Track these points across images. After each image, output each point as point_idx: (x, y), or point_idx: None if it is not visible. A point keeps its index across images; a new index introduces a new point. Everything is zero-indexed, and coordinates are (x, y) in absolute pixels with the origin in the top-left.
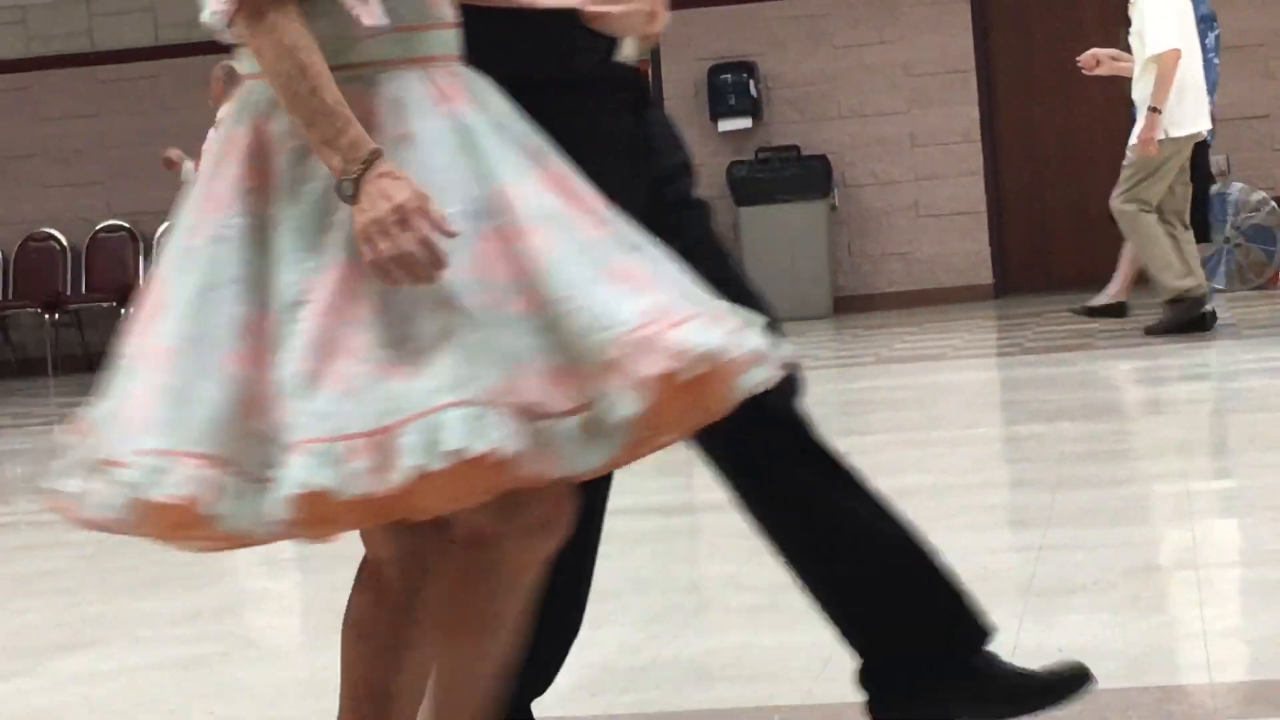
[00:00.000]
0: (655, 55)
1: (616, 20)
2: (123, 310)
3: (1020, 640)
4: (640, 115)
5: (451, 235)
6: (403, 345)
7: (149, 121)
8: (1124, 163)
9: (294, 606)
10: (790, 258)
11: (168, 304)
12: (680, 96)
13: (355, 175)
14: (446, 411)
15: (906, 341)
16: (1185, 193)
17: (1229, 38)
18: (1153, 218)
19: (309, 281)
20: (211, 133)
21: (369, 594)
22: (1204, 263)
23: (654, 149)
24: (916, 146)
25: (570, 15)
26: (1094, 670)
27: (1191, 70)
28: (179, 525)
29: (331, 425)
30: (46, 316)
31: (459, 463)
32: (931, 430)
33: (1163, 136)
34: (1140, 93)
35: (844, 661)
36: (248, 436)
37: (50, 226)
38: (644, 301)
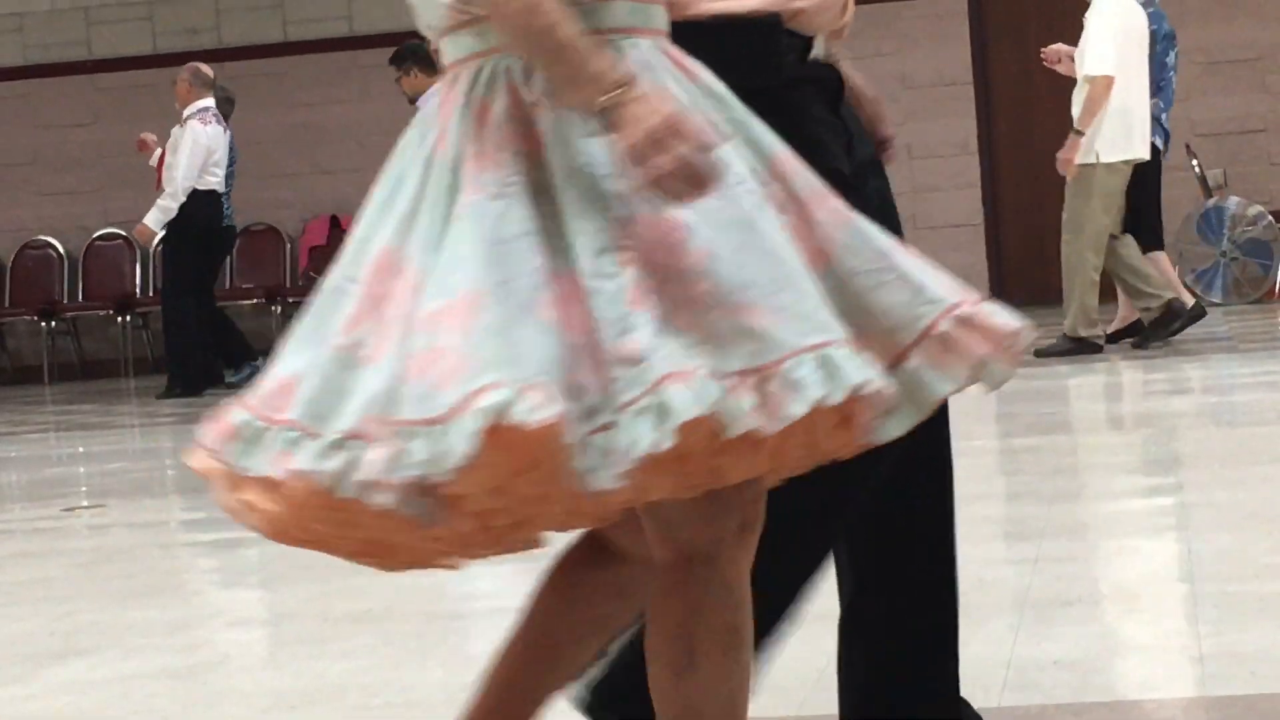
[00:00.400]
0: None
1: (813, 17)
2: (119, 319)
3: (1015, 653)
4: (838, 112)
5: (718, 147)
6: (753, 290)
7: (146, 129)
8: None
9: (287, 615)
10: None
11: (441, 268)
12: None
13: (612, 101)
14: (827, 349)
15: None
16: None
17: (1228, 52)
18: (1091, 258)
19: (614, 231)
20: (429, 103)
21: (589, 561)
22: (1200, 276)
23: (852, 145)
24: (914, 159)
25: (773, 18)
26: (1088, 683)
27: (1132, 95)
28: (530, 461)
29: (699, 363)
30: (42, 324)
31: (851, 398)
32: None
33: (1093, 160)
34: (1077, 109)
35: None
36: (573, 386)
37: (47, 234)
38: (944, 279)
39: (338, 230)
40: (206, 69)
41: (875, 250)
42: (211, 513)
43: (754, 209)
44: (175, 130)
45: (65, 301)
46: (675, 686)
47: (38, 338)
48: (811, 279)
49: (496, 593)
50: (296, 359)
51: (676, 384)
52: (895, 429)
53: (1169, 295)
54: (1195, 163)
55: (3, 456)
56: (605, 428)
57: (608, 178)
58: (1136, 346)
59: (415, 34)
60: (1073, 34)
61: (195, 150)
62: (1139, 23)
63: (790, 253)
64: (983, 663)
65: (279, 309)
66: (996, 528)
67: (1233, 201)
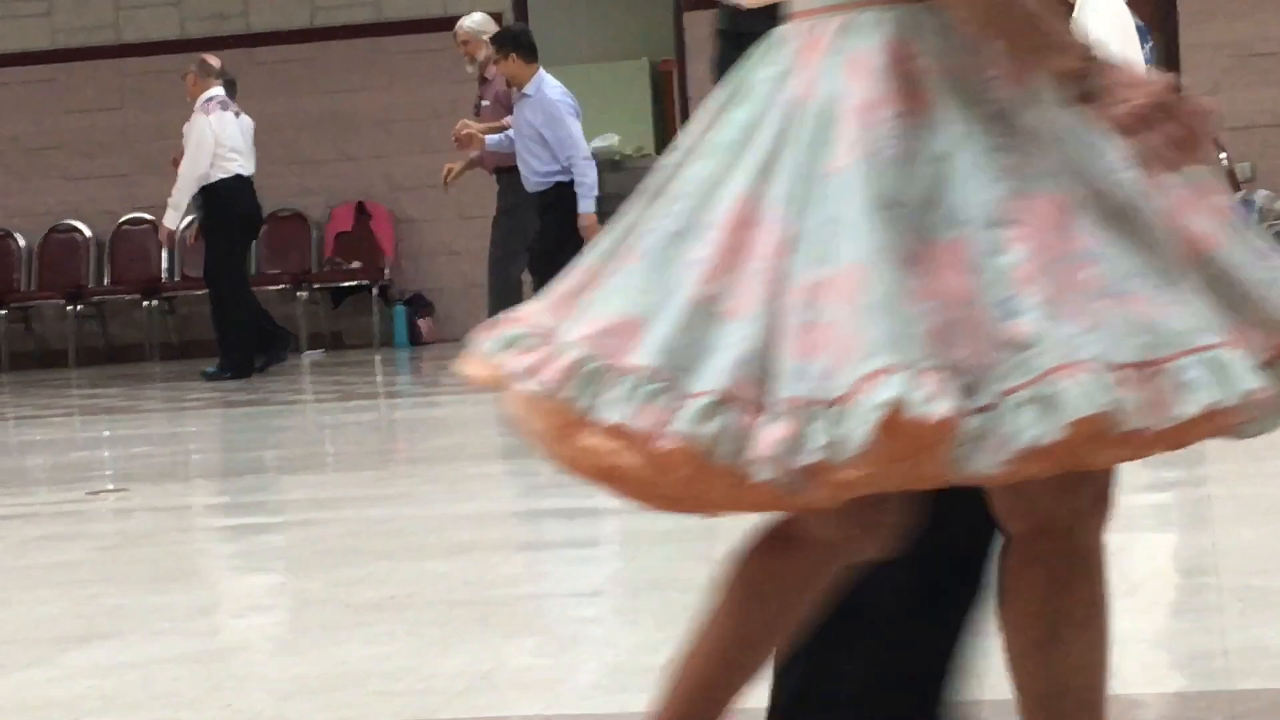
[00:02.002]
0: (680, 55)
1: None
2: (145, 303)
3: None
4: None
5: (1205, 114)
6: (1139, 279)
7: (173, 114)
8: None
9: (310, 600)
10: None
11: (819, 232)
12: (705, 97)
13: (1088, 71)
14: (1218, 351)
15: None
16: None
17: (1256, 45)
18: None
19: (1008, 205)
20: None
21: (780, 555)
22: None
23: None
24: None
25: None
26: (1113, 676)
27: None
28: (919, 450)
29: (1088, 355)
30: (69, 308)
31: (1246, 401)
32: None
33: None
34: None
35: None
36: (952, 363)
37: (74, 218)
38: None
39: (364, 216)
40: (213, 59)
41: (1249, 242)
42: (235, 497)
43: (1135, 196)
44: (186, 126)
45: (92, 286)
46: (1039, 661)
47: (64, 322)
48: (1192, 271)
49: (518, 580)
50: (626, 300)
51: (1067, 378)
52: (1261, 429)
53: None
54: (1223, 156)
55: (28, 440)
56: (984, 409)
57: (1003, 150)
58: None
59: (442, 22)
60: None
61: (201, 143)
62: (1129, 19)
63: (1171, 244)
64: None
65: (304, 294)
66: None
67: (1261, 195)
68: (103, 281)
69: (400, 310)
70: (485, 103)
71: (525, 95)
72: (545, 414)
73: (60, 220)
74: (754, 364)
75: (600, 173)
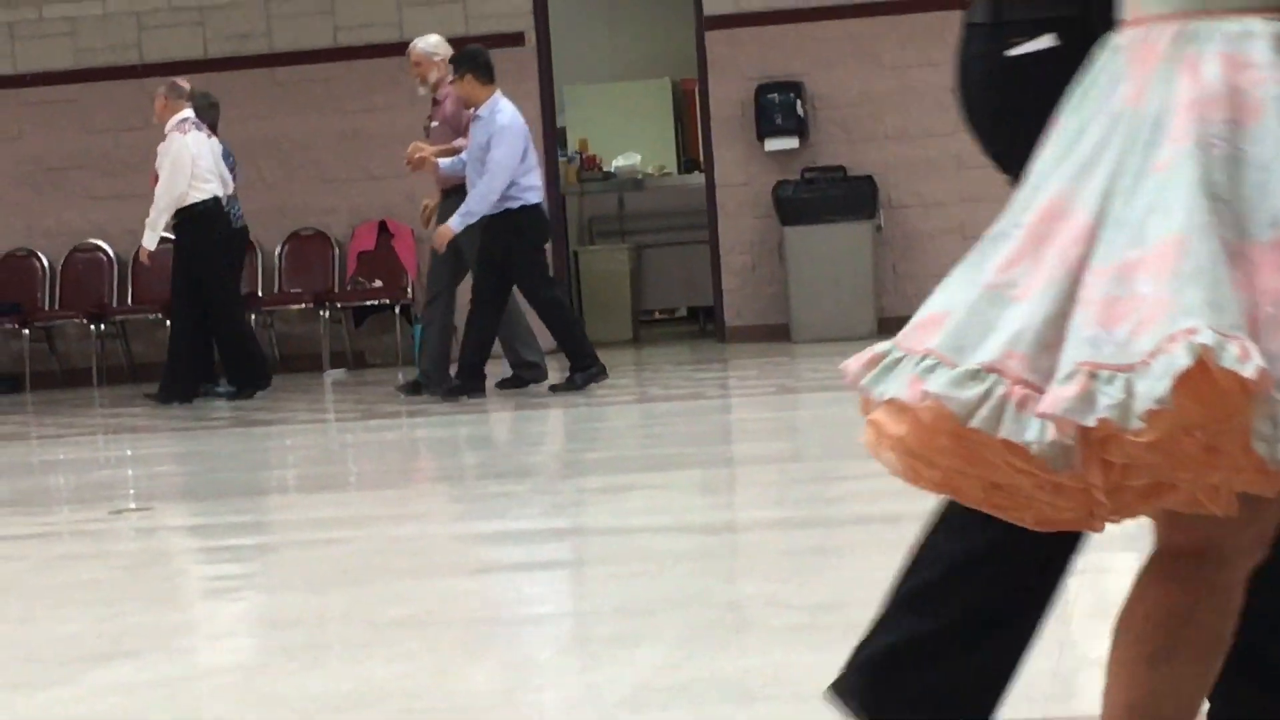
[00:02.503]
0: (703, 73)
1: None
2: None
3: (1060, 665)
4: None
5: None
6: None
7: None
8: None
9: (332, 619)
10: (835, 278)
11: (1135, 216)
12: (727, 115)
13: None
14: None
15: None
16: None
17: None
18: None
19: None
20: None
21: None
22: None
23: None
24: (963, 168)
25: None
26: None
27: None
28: (1221, 413)
29: None
30: (92, 327)
31: None
32: None
33: None
34: None
35: None
36: (1266, 352)
37: (97, 237)
38: None
39: (386, 235)
40: (183, 81)
41: None
42: (258, 516)
43: None
44: (160, 146)
45: (115, 305)
46: (1145, 672)
47: (87, 340)
48: None
49: (540, 598)
50: (946, 296)
51: None
52: None
53: None
54: None
55: (51, 459)
56: None
57: None
58: None
59: (467, 40)
60: None
61: (179, 163)
62: None
63: None
64: (1029, 672)
65: (326, 314)
66: None
67: None
68: (126, 300)
69: (421, 329)
70: (434, 124)
71: (478, 116)
72: (864, 405)
73: (83, 239)
74: (1032, 339)
75: (622, 191)
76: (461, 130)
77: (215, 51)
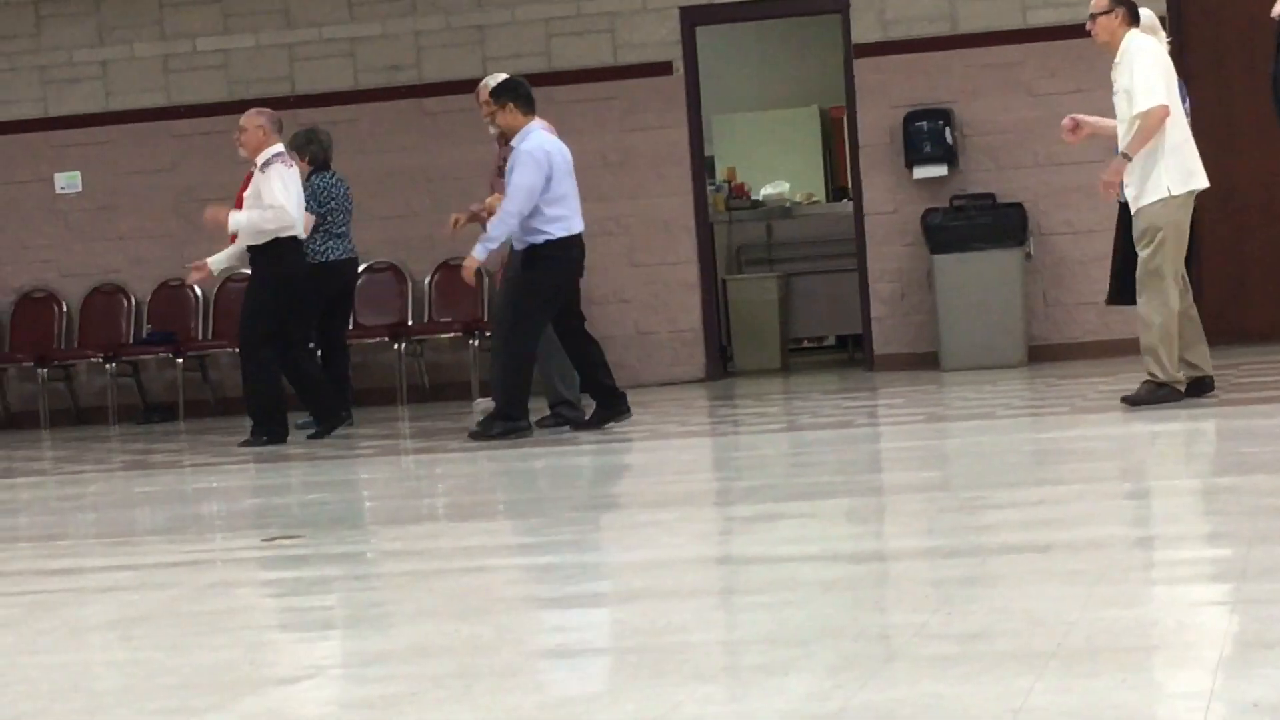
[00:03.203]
0: (851, 101)
1: None
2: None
3: (1215, 694)
4: None
5: None
6: None
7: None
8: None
9: (481, 647)
10: (984, 306)
11: None
12: (876, 143)
13: None
14: None
15: (1101, 391)
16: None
17: None
18: (1175, 293)
19: None
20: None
21: None
22: None
23: None
24: None
25: None
26: None
27: (1180, 130)
28: None
29: None
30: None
31: None
32: (1125, 482)
33: (1166, 195)
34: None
35: (1035, 712)
36: None
37: (248, 269)
38: None
39: None
40: (275, 114)
41: None
42: (408, 544)
43: None
44: (258, 175)
45: (200, 339)
46: None
47: (239, 370)
48: None
49: (689, 627)
50: None
51: None
52: None
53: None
54: None
55: (204, 487)
56: None
57: None
58: (1128, 402)
59: (617, 70)
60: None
61: (293, 194)
62: (1172, 65)
63: None
64: (1182, 704)
65: (476, 343)
66: (1196, 569)
67: None
68: (208, 335)
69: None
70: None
71: (513, 148)
72: None
73: (235, 271)
74: None
75: (770, 219)
76: None
77: (365, 82)
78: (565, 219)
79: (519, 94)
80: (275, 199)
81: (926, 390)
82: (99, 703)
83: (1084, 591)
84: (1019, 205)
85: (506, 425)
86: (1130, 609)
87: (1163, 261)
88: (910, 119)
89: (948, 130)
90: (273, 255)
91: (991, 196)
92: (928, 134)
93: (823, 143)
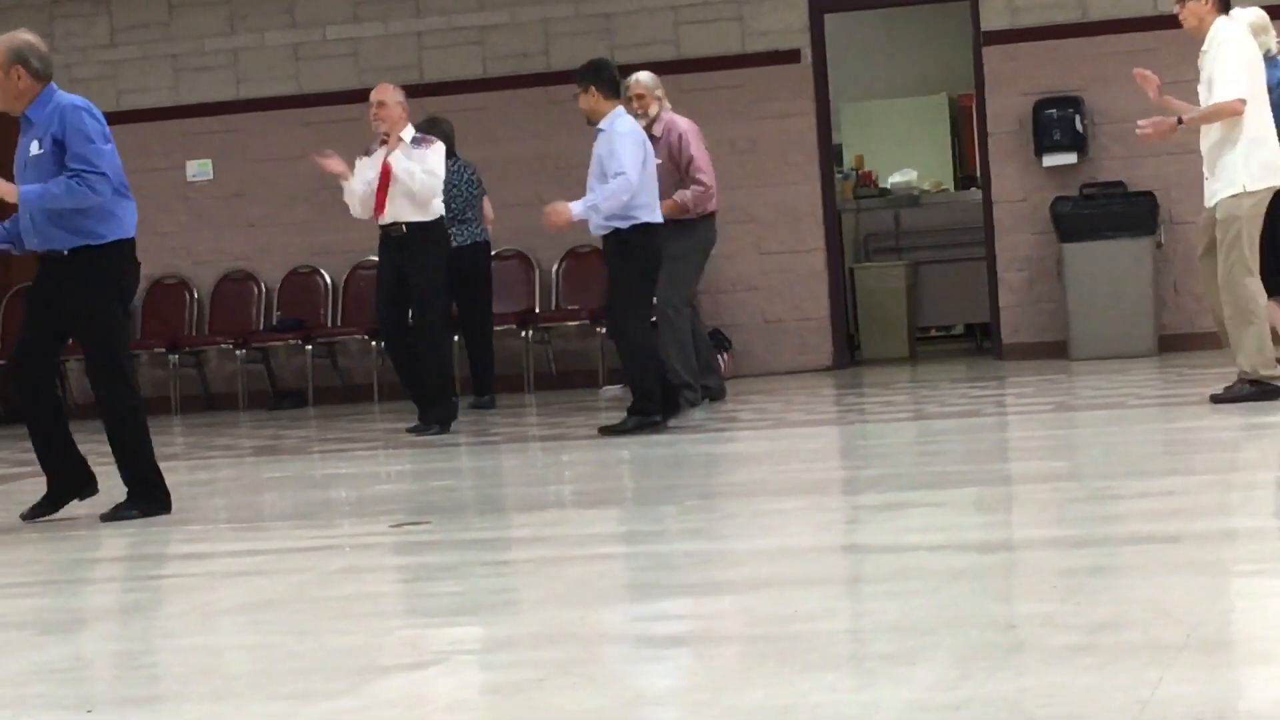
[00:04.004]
0: (980, 89)
1: None
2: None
3: None
4: None
5: None
6: None
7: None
8: (1220, 235)
9: (607, 634)
10: (1114, 295)
11: None
12: (1005, 131)
13: None
14: None
15: (1232, 382)
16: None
17: None
18: (1258, 287)
19: None
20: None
21: None
22: None
23: None
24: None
25: None
26: None
27: (1263, 124)
28: None
29: None
30: (373, 343)
31: None
32: (1256, 472)
33: (1240, 190)
34: (1208, 143)
35: (1163, 704)
36: None
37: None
38: None
39: None
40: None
41: None
42: (535, 530)
43: None
44: (403, 151)
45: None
46: None
47: (368, 356)
48: None
49: (816, 615)
50: None
51: None
52: None
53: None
54: None
55: (333, 473)
56: None
57: None
58: (1216, 400)
59: (744, 58)
60: None
61: (436, 171)
62: (1258, 60)
63: None
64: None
65: (603, 330)
66: None
67: None
68: (337, 322)
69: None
70: (657, 161)
71: (599, 130)
72: None
73: (364, 258)
74: None
75: (898, 207)
76: (679, 161)
77: (494, 70)
78: (650, 205)
79: (601, 77)
80: (435, 176)
81: (1055, 379)
82: (229, 686)
83: (1214, 583)
84: (1150, 194)
85: (638, 420)
86: (1261, 601)
87: (1238, 258)
88: (1040, 106)
89: (1077, 118)
90: (440, 232)
91: (1122, 184)
92: (1057, 121)
93: (951, 131)
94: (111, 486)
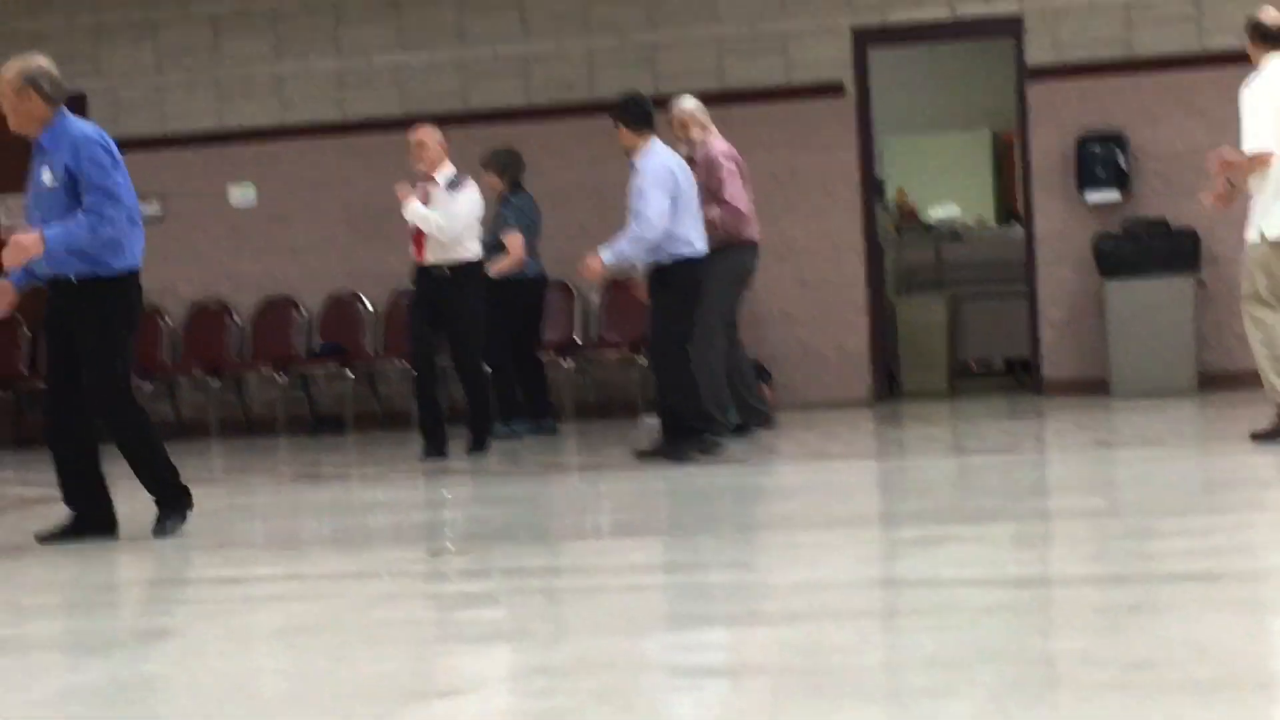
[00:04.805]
0: (1023, 124)
1: None
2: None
3: None
4: None
5: None
6: None
7: (535, 182)
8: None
9: (643, 664)
10: (1155, 332)
11: None
12: (1048, 167)
13: None
14: None
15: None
16: None
17: None
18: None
19: None
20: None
21: None
22: None
23: None
24: None
25: None
26: None
27: None
28: None
29: None
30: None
31: None
32: None
33: (1258, 240)
34: (1253, 184)
35: None
36: None
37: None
38: None
39: None
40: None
41: None
42: (572, 559)
43: None
44: (438, 192)
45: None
46: None
47: (408, 383)
48: None
49: (851, 648)
50: None
51: None
52: None
53: None
54: None
55: (371, 500)
56: None
57: None
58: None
59: (788, 91)
60: None
61: (469, 212)
62: None
63: None
64: None
65: (643, 360)
66: None
67: None
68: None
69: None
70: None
71: (633, 165)
72: None
73: (405, 284)
74: None
75: (939, 242)
76: (714, 189)
77: (537, 100)
78: (690, 239)
79: (629, 112)
80: (456, 220)
81: (1095, 415)
82: (264, 710)
83: (1253, 622)
84: (1192, 231)
85: (674, 449)
86: None
87: (1255, 297)
88: (1083, 143)
89: (1121, 154)
90: (478, 272)
91: (1165, 222)
92: (1100, 158)
93: (994, 166)
94: (130, 498)
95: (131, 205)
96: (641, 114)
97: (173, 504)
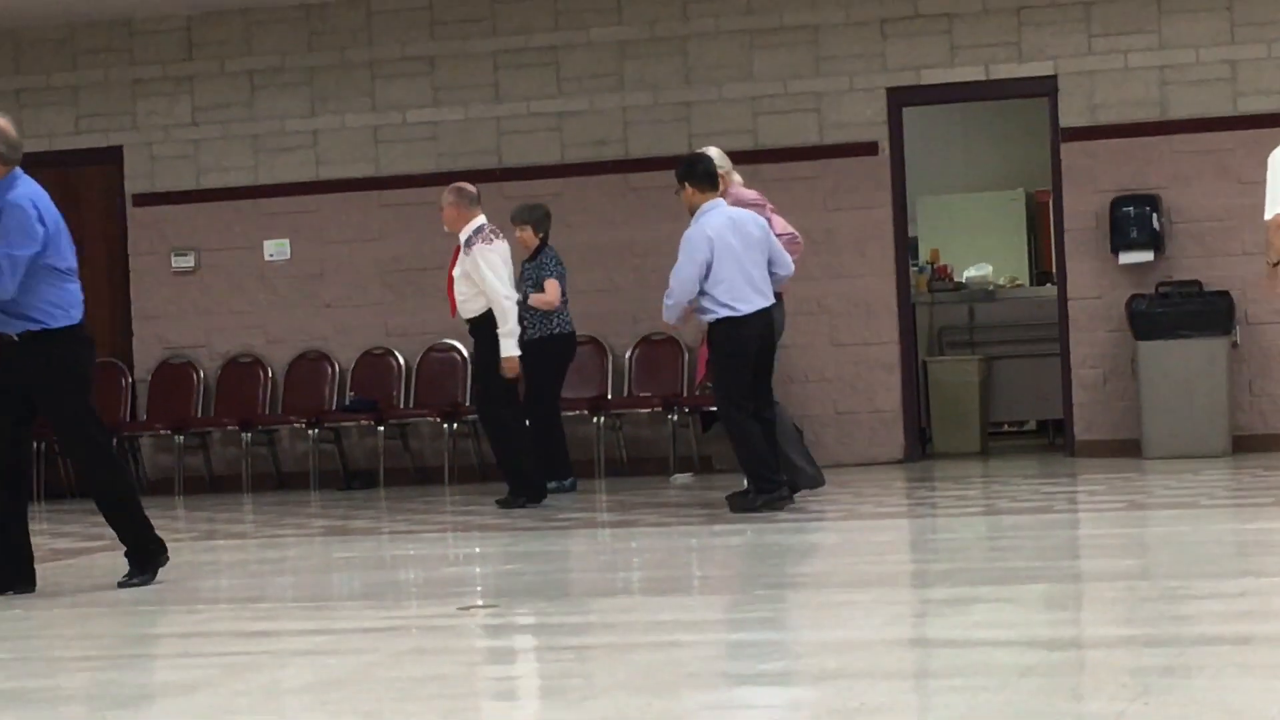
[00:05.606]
0: (1057, 185)
1: None
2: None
3: None
4: None
5: None
6: None
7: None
8: None
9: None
10: (1189, 394)
11: None
12: (1081, 228)
13: None
14: None
15: None
16: None
17: None
18: None
19: None
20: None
21: None
22: None
23: None
24: None
25: None
26: None
27: None
28: None
29: None
30: (445, 426)
31: None
32: None
33: None
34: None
35: None
36: None
37: (451, 338)
38: None
39: None
40: (470, 187)
41: None
42: (602, 616)
43: None
44: (463, 256)
45: (467, 404)
46: None
47: (440, 439)
48: None
49: (883, 708)
50: None
51: None
52: None
53: None
54: None
55: (402, 554)
56: None
57: None
58: None
59: (821, 150)
60: None
61: (498, 273)
62: None
63: None
64: None
65: (674, 418)
66: None
67: None
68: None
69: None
70: None
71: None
72: None
73: (438, 340)
74: None
75: (972, 301)
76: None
77: (571, 157)
78: (731, 302)
79: (695, 172)
80: (490, 285)
81: (1128, 477)
82: None
83: None
84: (1226, 293)
85: (764, 497)
86: None
87: None
88: (1117, 204)
89: (1155, 216)
90: (491, 326)
91: (1198, 284)
92: (1134, 219)
93: (1027, 226)
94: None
95: (65, 262)
96: (705, 174)
97: (142, 564)
